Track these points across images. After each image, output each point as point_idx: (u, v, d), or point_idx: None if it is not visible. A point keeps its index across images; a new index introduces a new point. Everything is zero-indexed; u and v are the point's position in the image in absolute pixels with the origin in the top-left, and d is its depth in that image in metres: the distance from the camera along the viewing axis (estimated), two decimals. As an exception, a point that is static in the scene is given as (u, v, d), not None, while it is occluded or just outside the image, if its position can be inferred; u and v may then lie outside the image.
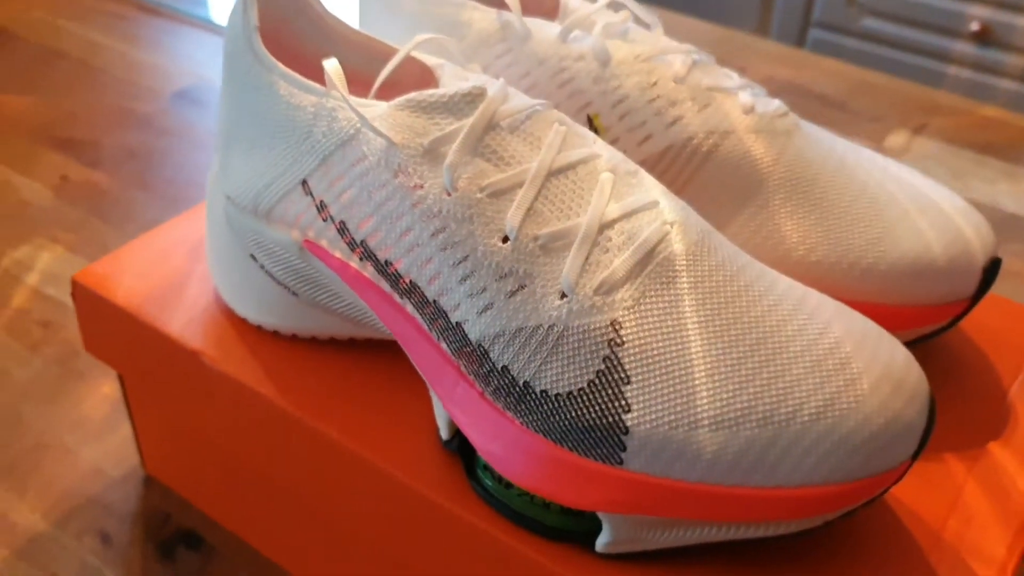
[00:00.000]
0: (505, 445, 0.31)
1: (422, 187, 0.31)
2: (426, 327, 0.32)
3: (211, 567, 0.43)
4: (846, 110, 0.77)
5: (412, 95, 0.32)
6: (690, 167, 0.36)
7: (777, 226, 0.35)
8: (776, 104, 0.38)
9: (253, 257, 0.37)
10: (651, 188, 0.32)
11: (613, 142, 0.37)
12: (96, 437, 0.49)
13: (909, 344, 0.37)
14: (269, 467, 0.38)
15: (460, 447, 0.33)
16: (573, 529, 0.31)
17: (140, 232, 0.62)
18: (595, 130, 0.38)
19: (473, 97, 0.32)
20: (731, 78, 0.38)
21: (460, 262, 0.31)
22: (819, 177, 0.36)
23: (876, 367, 0.29)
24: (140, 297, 0.39)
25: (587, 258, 0.30)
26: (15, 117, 0.73)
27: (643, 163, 0.37)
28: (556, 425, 0.30)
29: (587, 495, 0.30)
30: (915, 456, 0.29)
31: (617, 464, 0.29)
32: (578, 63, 0.37)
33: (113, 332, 0.40)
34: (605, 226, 0.31)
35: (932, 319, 0.35)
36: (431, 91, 0.32)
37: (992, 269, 0.35)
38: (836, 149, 0.37)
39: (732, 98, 0.37)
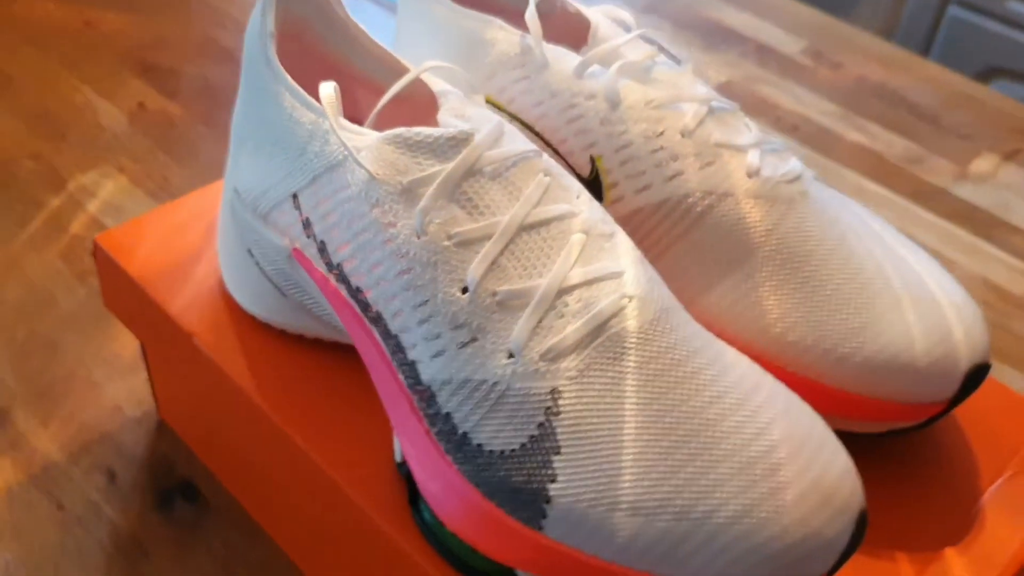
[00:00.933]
0: (441, 486, 0.32)
1: (395, 225, 0.32)
2: (389, 355, 0.33)
3: (203, 522, 0.46)
4: (936, 124, 0.73)
5: (401, 131, 0.33)
6: (682, 225, 0.36)
7: (759, 299, 0.35)
8: (789, 167, 0.36)
9: (250, 252, 0.38)
10: (622, 255, 0.32)
11: (613, 186, 0.37)
12: (122, 375, 0.52)
13: (883, 435, 0.36)
14: (248, 447, 0.40)
15: (408, 474, 0.35)
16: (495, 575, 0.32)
17: (200, 170, 0.65)
18: (597, 171, 0.37)
19: (458, 142, 0.32)
20: (748, 131, 0.37)
21: (420, 305, 0.32)
22: (813, 253, 0.35)
23: (806, 478, 0.29)
24: (150, 270, 0.41)
25: (540, 322, 0.31)
26: (110, 35, 0.76)
27: (639, 212, 0.36)
28: (486, 479, 0.31)
29: (507, 551, 0.31)
30: (831, 572, 0.29)
31: (537, 529, 0.30)
32: (588, 101, 0.37)
33: (125, 297, 0.42)
34: (564, 291, 0.31)
35: (904, 417, 0.34)
36: (419, 129, 0.32)
37: (976, 375, 0.34)
38: (840, 221, 0.36)
39: (739, 157, 0.36)
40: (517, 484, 0.30)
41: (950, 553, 0.34)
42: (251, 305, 0.39)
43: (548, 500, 0.30)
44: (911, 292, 0.34)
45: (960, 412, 0.39)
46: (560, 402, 0.30)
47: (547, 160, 0.34)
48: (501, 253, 0.31)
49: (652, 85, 0.37)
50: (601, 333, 0.30)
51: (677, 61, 0.39)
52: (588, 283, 0.31)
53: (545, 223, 0.32)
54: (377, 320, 0.33)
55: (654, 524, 0.29)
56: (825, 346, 0.34)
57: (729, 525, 0.28)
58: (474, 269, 0.31)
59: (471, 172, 0.32)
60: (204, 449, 0.47)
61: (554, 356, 0.30)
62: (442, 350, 0.31)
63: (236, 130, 0.38)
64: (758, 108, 0.74)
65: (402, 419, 0.33)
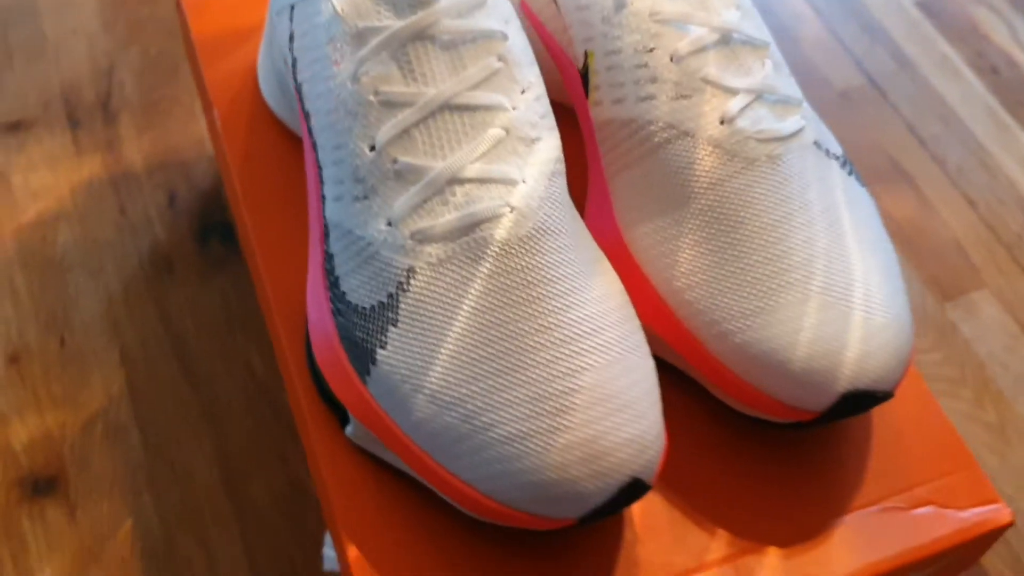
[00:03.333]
0: (316, 316, 0.35)
1: (339, 65, 0.33)
2: (318, 182, 0.36)
3: (227, 262, 0.52)
4: None
5: (374, -24, 0.33)
6: (639, 151, 0.35)
7: (676, 248, 0.34)
8: (778, 125, 0.34)
9: (270, 43, 0.40)
10: (532, 165, 0.32)
11: (596, 88, 0.36)
12: (218, 113, 0.57)
13: (758, 422, 0.35)
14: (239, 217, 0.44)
15: (314, 293, 0.38)
16: (341, 408, 0.35)
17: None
18: (586, 68, 0.36)
19: (417, 2, 0.32)
20: (757, 73, 0.35)
21: (336, 148, 0.33)
22: (745, 222, 0.33)
23: (585, 431, 0.29)
24: (210, 34, 0.45)
25: (424, 203, 0.32)
26: None
27: (610, 123, 0.36)
28: (342, 324, 0.33)
29: (342, 391, 0.33)
30: (583, 520, 0.30)
31: (363, 382, 0.32)
32: (599, -5, 0.35)
33: (190, 53, 0.46)
34: (455, 181, 0.32)
35: (770, 411, 0.33)
36: (390, -21, 0.33)
37: (858, 400, 0.32)
38: (795, 199, 0.33)
39: (721, 98, 0.34)
40: (358, 338, 0.32)
41: (771, 552, 0.34)
42: (266, 93, 0.42)
43: (374, 361, 0.32)
44: (828, 296, 0.32)
45: (886, 424, 0.37)
46: (412, 282, 0.31)
47: (512, 46, 0.33)
48: (416, 124, 0.32)
49: (675, -3, 0.35)
50: (469, 232, 0.31)
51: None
52: (481, 181, 0.32)
53: (471, 108, 0.32)
54: (314, 147, 0.35)
55: (443, 417, 0.30)
56: (714, 316, 0.33)
57: (500, 443, 0.30)
58: (385, 131, 0.32)
59: (421, 36, 0.32)
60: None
61: (422, 238, 0.31)
62: (341, 196, 0.33)
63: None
64: (961, 36, 0.66)
65: (313, 244, 0.36)
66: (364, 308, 0.32)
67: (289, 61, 0.36)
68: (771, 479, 0.36)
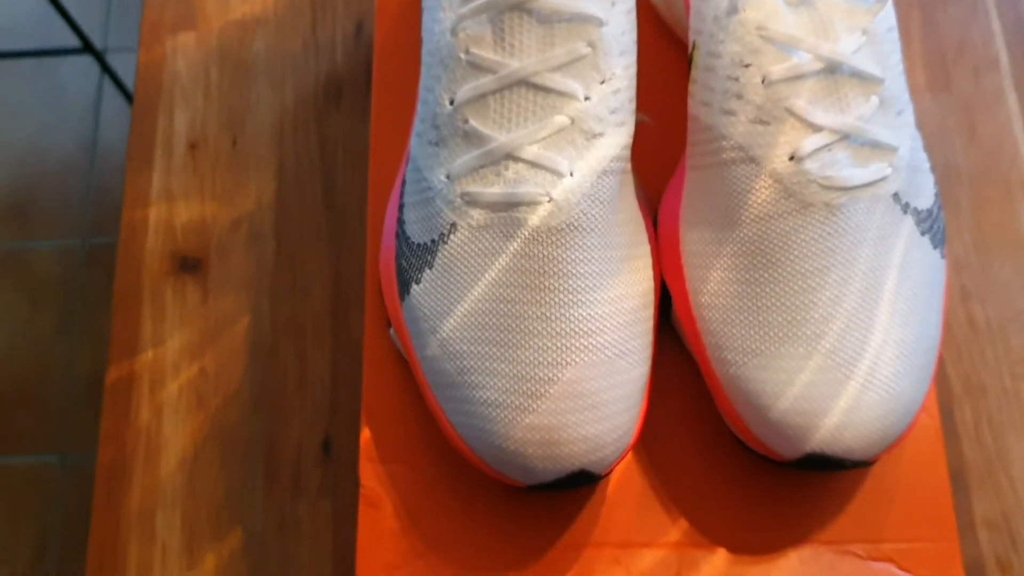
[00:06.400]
0: (388, 225, 0.39)
1: (445, 11, 0.35)
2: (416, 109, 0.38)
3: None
4: None
5: (497, -64, 0.34)
6: (709, 158, 0.35)
7: (711, 265, 0.35)
8: (852, 172, 0.33)
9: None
10: (585, 159, 0.34)
11: (693, 81, 0.36)
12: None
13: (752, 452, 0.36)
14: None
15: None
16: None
17: None
18: (691, 60, 0.36)
19: (522, -25, 0.33)
20: (850, 113, 0.34)
21: (427, 89, 0.36)
22: (780, 265, 0.33)
23: (548, 419, 0.32)
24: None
25: (480, 168, 0.34)
26: None
27: (695, 120, 0.36)
28: (397, 246, 0.37)
29: (388, 300, 0.38)
30: (531, 489, 0.34)
31: (400, 302, 0.37)
32: (718, -8, 0.34)
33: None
34: (511, 157, 0.34)
35: (746, 439, 0.35)
36: (508, -57, 0.34)
37: (826, 463, 0.33)
38: (838, 253, 0.33)
39: (799, 133, 0.33)
40: (403, 265, 0.36)
41: (719, 554, 0.37)
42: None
43: (408, 292, 0.36)
44: (831, 359, 0.33)
45: (886, 474, 0.38)
46: (451, 236, 0.35)
47: (607, 33, 0.34)
48: (492, 93, 0.34)
49: (796, 10, 0.34)
50: (508, 209, 0.34)
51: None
52: (532, 164, 0.33)
53: (545, 89, 0.34)
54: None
55: (444, 362, 0.34)
56: (719, 341, 0.34)
57: (479, 403, 0.33)
58: (465, 91, 0.34)
59: (520, 7, 0.33)
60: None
61: (470, 200, 0.34)
62: (420, 134, 0.36)
63: None
64: None
65: (404, 161, 0.39)
66: (413, 242, 0.36)
67: (424, -13, 0.38)
68: (750, 492, 0.38)
